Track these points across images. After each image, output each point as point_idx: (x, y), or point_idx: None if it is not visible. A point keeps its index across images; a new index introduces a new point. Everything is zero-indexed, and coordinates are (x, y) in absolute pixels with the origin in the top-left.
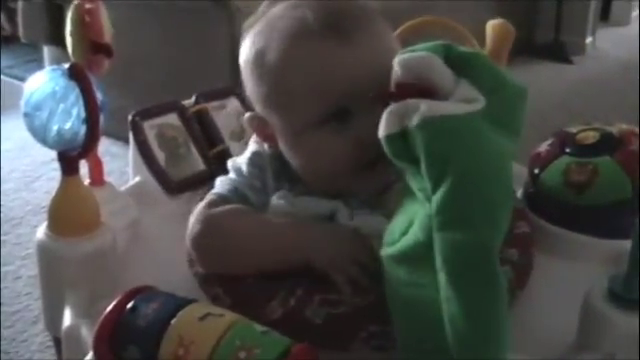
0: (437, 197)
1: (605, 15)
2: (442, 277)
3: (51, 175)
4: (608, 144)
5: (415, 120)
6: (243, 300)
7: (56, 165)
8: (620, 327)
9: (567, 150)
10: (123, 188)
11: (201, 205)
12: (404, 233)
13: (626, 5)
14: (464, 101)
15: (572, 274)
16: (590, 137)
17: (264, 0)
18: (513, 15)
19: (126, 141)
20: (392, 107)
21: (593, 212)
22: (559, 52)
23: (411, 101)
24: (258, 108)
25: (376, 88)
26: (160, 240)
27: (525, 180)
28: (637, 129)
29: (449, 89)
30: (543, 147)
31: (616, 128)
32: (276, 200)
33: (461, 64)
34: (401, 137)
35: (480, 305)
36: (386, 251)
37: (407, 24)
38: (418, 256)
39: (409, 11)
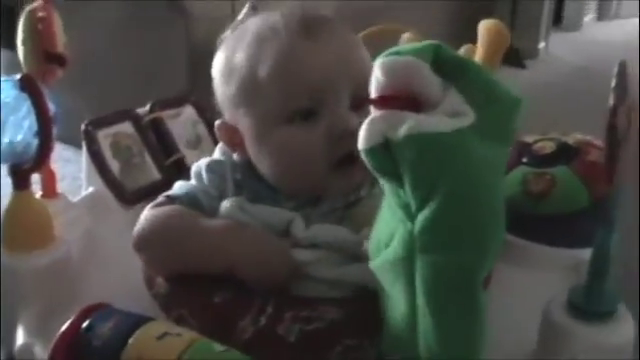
0: (422, 217)
1: (557, 20)
2: (421, 298)
3: None
4: (565, 154)
5: (401, 135)
6: (211, 321)
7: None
8: (581, 339)
9: (524, 160)
10: (76, 199)
11: (147, 206)
12: (387, 244)
13: (578, 10)
14: (452, 114)
15: (530, 283)
16: (547, 147)
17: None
18: (468, 20)
19: (78, 146)
20: (374, 117)
21: (550, 221)
22: (513, 57)
23: (395, 113)
24: (227, 114)
25: (344, 83)
26: (115, 252)
27: None
28: (593, 139)
29: (436, 99)
30: None
31: (572, 138)
32: (226, 204)
33: (451, 70)
34: (383, 148)
35: (458, 332)
36: (373, 262)
37: (366, 31)
38: (397, 270)
39: (364, 14)
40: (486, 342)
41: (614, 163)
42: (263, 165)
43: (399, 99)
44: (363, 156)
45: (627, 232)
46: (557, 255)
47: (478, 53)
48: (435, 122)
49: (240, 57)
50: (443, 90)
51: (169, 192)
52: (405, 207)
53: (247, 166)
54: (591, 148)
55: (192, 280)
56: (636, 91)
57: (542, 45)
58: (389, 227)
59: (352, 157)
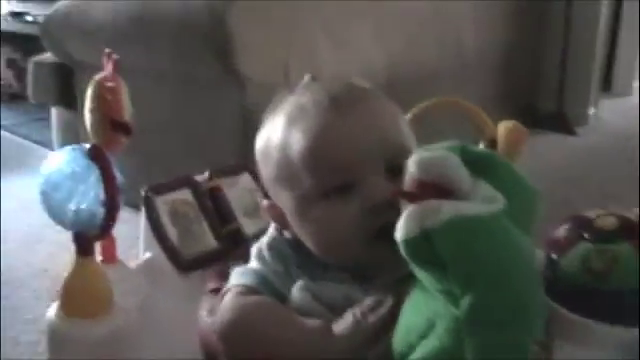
0: (468, 300)
1: (607, 85)
2: None
3: (53, 238)
4: (627, 230)
5: (440, 222)
6: None
7: (59, 228)
8: None
9: (585, 236)
10: (134, 264)
11: (229, 294)
12: (423, 336)
13: (628, 75)
14: (486, 200)
15: None
16: (609, 223)
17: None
18: (517, 86)
19: (133, 206)
20: (411, 209)
21: (613, 299)
22: (562, 123)
23: (431, 202)
24: (271, 193)
25: (377, 153)
26: (172, 321)
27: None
28: None
29: (467, 189)
30: (560, 231)
31: (634, 213)
32: (298, 292)
33: (478, 164)
34: (422, 240)
35: None
36: (411, 358)
37: (421, 105)
38: None
39: (414, 85)
40: None
41: None
42: (308, 242)
43: (433, 190)
44: (401, 248)
45: None
46: (618, 333)
47: (500, 149)
48: (471, 207)
49: (274, 139)
50: (472, 182)
51: (240, 281)
52: (448, 294)
53: (299, 242)
54: None
55: None
56: None
57: (592, 111)
58: (423, 317)
59: (391, 227)
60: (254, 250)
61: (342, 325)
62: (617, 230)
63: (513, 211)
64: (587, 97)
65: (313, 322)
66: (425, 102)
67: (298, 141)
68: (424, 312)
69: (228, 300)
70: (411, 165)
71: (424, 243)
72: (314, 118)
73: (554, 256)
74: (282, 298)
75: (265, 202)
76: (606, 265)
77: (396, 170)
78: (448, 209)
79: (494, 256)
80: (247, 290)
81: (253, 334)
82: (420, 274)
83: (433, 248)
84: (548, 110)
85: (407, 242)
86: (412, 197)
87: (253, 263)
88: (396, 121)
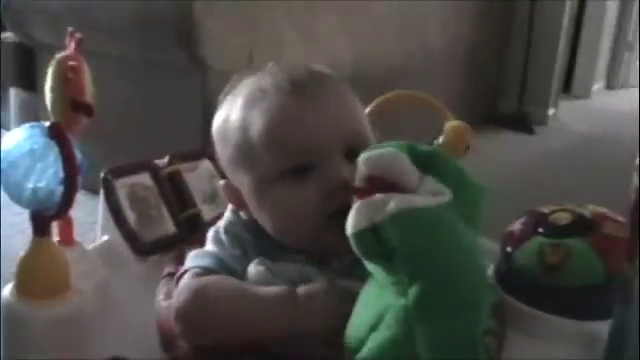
0: (416, 289)
1: (567, 87)
2: None
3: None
4: (581, 226)
5: (387, 214)
6: None
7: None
8: None
9: (540, 230)
10: (90, 246)
11: (186, 276)
12: (373, 329)
13: (588, 78)
14: (433, 194)
15: (542, 354)
16: (563, 218)
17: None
18: (480, 85)
19: (89, 190)
20: (359, 203)
21: (564, 293)
22: (522, 122)
23: (380, 196)
24: (229, 174)
25: (336, 136)
26: (129, 304)
27: (496, 257)
28: (608, 212)
29: (415, 184)
30: (516, 226)
31: (587, 210)
32: (254, 267)
33: (424, 162)
34: (371, 233)
35: None
36: (361, 354)
37: (383, 97)
38: (395, 349)
39: (379, 80)
40: None
41: (637, 240)
42: (265, 223)
43: (382, 185)
44: (351, 242)
45: None
46: (569, 327)
47: (445, 147)
48: (418, 199)
49: (233, 119)
50: (419, 178)
51: (196, 263)
52: (398, 284)
53: (255, 224)
54: (606, 220)
55: (216, 346)
56: None
57: (551, 112)
58: (375, 310)
59: (347, 210)
60: (210, 233)
61: (307, 287)
62: (571, 225)
63: (458, 205)
64: (547, 98)
65: (275, 288)
66: (387, 94)
67: (258, 121)
68: (374, 306)
69: (184, 282)
70: (361, 162)
71: (373, 236)
72: (275, 99)
73: (509, 249)
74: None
75: (222, 182)
76: (559, 259)
77: (353, 155)
78: (395, 202)
79: (440, 246)
80: (203, 271)
81: (211, 312)
82: (370, 267)
83: (382, 240)
84: (509, 110)
85: (356, 235)
86: (361, 192)
87: (209, 246)
88: (355, 108)
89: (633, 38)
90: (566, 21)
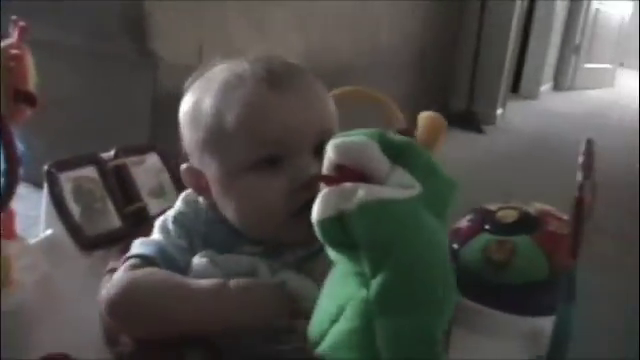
0: (378, 282)
1: (515, 88)
2: None
3: None
4: (526, 223)
5: (355, 204)
6: None
7: None
8: None
9: (486, 227)
10: (33, 241)
11: (122, 268)
12: (334, 321)
13: (536, 79)
14: (402, 186)
15: (489, 350)
16: (509, 215)
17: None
18: (430, 84)
19: (33, 183)
20: (327, 191)
21: (510, 290)
22: (471, 121)
23: (348, 185)
24: (193, 158)
25: (308, 131)
26: (72, 299)
27: None
28: (552, 209)
29: (384, 175)
30: (463, 222)
31: (533, 207)
32: (198, 259)
33: (395, 152)
34: (337, 221)
35: None
36: (322, 346)
37: (332, 93)
38: (353, 342)
39: (330, 76)
40: None
41: (579, 237)
42: (228, 210)
43: (350, 175)
44: (316, 229)
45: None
46: (515, 323)
47: (418, 138)
48: (386, 191)
49: (207, 104)
50: (390, 168)
51: (138, 251)
52: (360, 275)
53: (212, 214)
54: (551, 218)
55: (160, 340)
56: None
57: (500, 112)
58: (337, 302)
59: (310, 205)
60: (158, 222)
61: (240, 280)
62: (517, 223)
63: (428, 199)
64: (496, 98)
65: (208, 281)
66: (335, 90)
67: (234, 108)
68: (337, 298)
69: (116, 274)
70: (329, 149)
71: (338, 224)
72: (252, 88)
73: (455, 246)
74: (181, 272)
75: (184, 166)
76: (505, 256)
77: (322, 149)
78: (363, 192)
79: (405, 240)
80: (141, 262)
81: (141, 306)
82: (334, 255)
83: (347, 230)
84: (458, 109)
85: (322, 223)
86: (329, 180)
87: (156, 234)
88: (328, 103)
89: (580, 41)
90: (515, 23)
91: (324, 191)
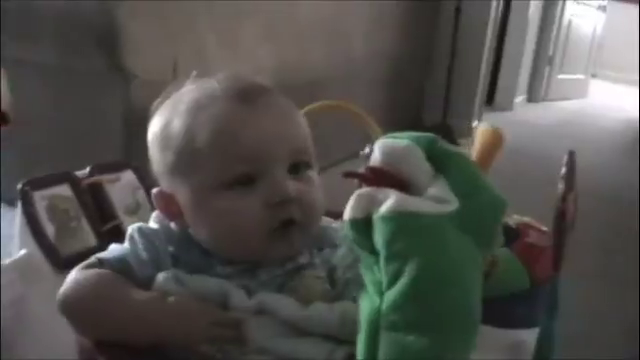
0: (391, 294)
1: (490, 100)
2: None
3: None
4: (506, 235)
5: (382, 210)
6: None
7: None
8: None
9: None
10: (8, 261)
11: (77, 267)
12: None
13: (510, 91)
14: (436, 200)
15: None
16: None
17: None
18: (403, 97)
19: (10, 203)
20: (361, 191)
21: (491, 302)
22: (446, 134)
23: (382, 189)
24: (164, 182)
25: (282, 149)
26: (46, 320)
27: None
28: (531, 221)
29: (424, 184)
30: None
31: (512, 219)
32: (163, 276)
33: (442, 161)
34: (364, 224)
35: None
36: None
37: (308, 107)
38: (359, 351)
39: (303, 90)
40: None
41: (561, 249)
42: (201, 232)
43: (389, 178)
44: (346, 227)
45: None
46: (497, 335)
47: (474, 152)
48: (418, 203)
49: (177, 125)
50: (432, 178)
51: (102, 254)
52: (377, 284)
53: (184, 236)
54: (530, 230)
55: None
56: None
57: (475, 123)
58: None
59: (291, 223)
60: (128, 230)
61: (180, 298)
62: None
63: (465, 216)
64: (471, 110)
65: (147, 293)
66: (313, 104)
67: (206, 128)
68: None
69: (73, 272)
70: (376, 150)
71: (365, 228)
72: (224, 107)
73: None
74: (137, 283)
75: (155, 190)
76: (486, 268)
77: (297, 168)
78: (392, 200)
79: (423, 256)
80: (96, 262)
81: (84, 308)
82: (361, 254)
83: (372, 235)
84: (433, 121)
85: (351, 223)
86: (367, 180)
87: (125, 244)
88: (300, 121)
89: (554, 52)
90: (489, 35)
91: (358, 191)
